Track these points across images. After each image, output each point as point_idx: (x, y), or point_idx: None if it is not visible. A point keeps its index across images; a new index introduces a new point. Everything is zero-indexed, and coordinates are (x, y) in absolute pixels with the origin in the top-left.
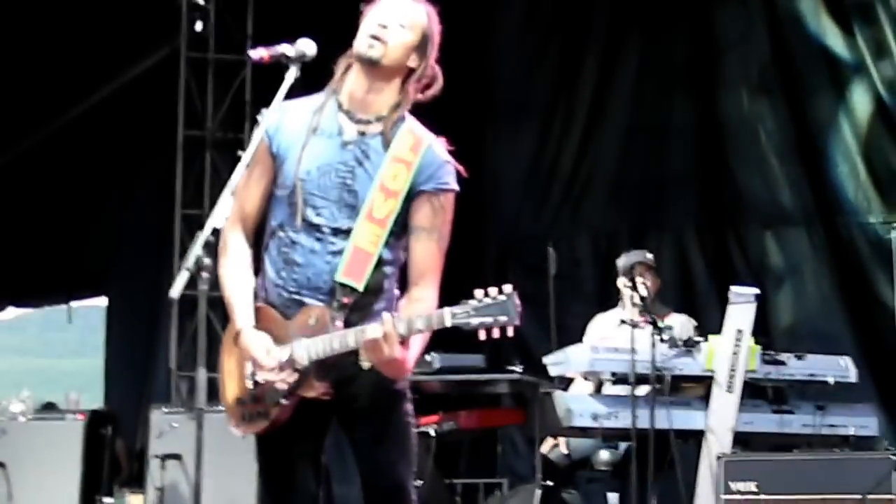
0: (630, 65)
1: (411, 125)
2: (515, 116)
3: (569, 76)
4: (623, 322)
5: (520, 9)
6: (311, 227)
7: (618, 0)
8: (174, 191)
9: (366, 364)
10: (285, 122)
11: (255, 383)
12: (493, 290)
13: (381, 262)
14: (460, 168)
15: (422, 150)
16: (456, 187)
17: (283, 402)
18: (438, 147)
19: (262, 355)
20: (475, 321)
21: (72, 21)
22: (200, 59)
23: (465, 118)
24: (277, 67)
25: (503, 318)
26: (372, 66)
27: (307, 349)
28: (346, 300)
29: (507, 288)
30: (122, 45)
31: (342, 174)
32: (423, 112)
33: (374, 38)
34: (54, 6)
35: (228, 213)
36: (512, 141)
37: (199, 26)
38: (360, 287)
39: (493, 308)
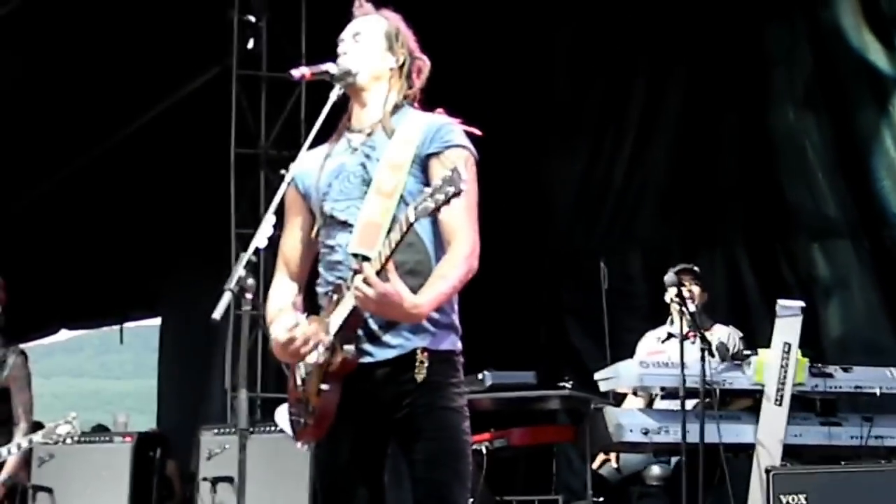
0: (679, 83)
1: (412, 112)
2: (568, 135)
3: (619, 94)
4: (670, 335)
5: (572, 30)
6: (343, 226)
7: (667, 20)
8: (228, 210)
9: (420, 376)
10: (306, 164)
11: (302, 382)
12: (443, 173)
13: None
14: (472, 129)
15: (422, 124)
16: (464, 143)
17: (324, 387)
18: (437, 116)
19: (282, 334)
20: (431, 204)
21: (124, 40)
22: (253, 76)
23: (521, 138)
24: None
25: (451, 189)
26: (351, 85)
27: (333, 322)
28: (358, 267)
29: (454, 165)
30: (175, 64)
31: (358, 173)
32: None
33: (338, 56)
34: (106, 25)
35: (270, 232)
36: (565, 159)
37: (251, 44)
38: (373, 254)
39: (442, 186)
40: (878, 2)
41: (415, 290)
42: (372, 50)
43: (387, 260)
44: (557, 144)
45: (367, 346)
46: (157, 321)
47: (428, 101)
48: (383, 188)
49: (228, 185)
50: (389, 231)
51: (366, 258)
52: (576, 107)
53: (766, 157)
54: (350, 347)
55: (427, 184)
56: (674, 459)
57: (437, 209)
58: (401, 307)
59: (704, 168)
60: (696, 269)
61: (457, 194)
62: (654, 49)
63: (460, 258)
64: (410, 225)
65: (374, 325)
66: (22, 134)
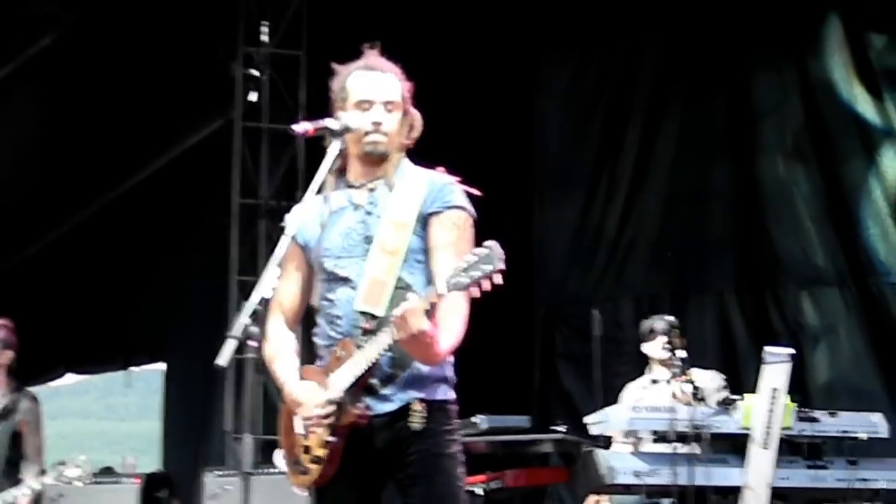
0: (670, 133)
1: (408, 165)
2: (561, 184)
3: (612, 145)
4: (655, 382)
5: (564, 82)
6: (343, 281)
7: (658, 71)
8: (229, 258)
9: (416, 426)
10: (305, 216)
11: (306, 431)
12: (476, 249)
13: (402, 287)
14: (472, 189)
15: (424, 182)
16: (464, 205)
17: (330, 439)
18: (439, 175)
19: (305, 397)
20: (465, 280)
21: (128, 93)
22: (255, 128)
23: (514, 187)
24: None
25: (488, 268)
26: (383, 159)
27: (340, 379)
28: (366, 325)
29: (489, 242)
30: (179, 116)
31: (359, 230)
32: (475, 183)
33: (376, 134)
34: (111, 78)
35: (275, 283)
36: (558, 208)
37: (253, 97)
38: (380, 312)
39: (478, 263)
40: (867, 54)
41: None
42: (399, 121)
43: (438, 301)
44: (551, 194)
45: (366, 400)
46: (161, 364)
47: (422, 150)
48: (387, 246)
49: (229, 234)
50: (396, 287)
51: (373, 316)
52: (569, 158)
53: (756, 206)
54: (361, 405)
55: (426, 242)
56: (665, 501)
57: (471, 286)
58: (431, 349)
59: (695, 217)
60: (668, 318)
61: (493, 274)
62: (645, 100)
63: (463, 315)
64: (441, 297)
65: (373, 380)
66: (29, 183)
